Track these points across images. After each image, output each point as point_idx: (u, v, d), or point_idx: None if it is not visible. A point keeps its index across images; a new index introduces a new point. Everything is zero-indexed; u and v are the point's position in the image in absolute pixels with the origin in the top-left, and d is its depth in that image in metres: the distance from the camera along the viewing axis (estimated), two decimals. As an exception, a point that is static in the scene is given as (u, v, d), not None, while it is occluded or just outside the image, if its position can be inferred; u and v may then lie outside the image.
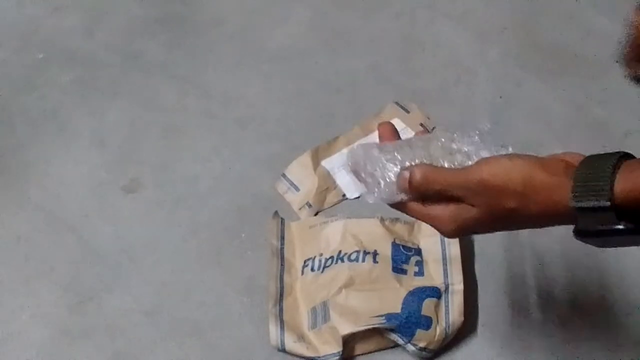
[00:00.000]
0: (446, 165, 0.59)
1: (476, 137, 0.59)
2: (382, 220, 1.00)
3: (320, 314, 0.94)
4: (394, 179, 0.59)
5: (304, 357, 0.93)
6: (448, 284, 0.95)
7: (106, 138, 1.19)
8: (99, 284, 1.02)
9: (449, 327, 0.92)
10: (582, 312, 0.97)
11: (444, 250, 0.98)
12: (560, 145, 1.11)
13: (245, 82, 1.26)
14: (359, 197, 1.09)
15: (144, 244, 1.06)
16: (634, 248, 0.53)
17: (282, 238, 1.03)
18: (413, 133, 1.15)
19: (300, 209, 1.08)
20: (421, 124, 1.17)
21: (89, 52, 1.32)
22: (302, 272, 0.99)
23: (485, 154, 0.57)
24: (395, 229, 1.00)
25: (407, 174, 0.58)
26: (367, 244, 0.98)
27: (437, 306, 0.93)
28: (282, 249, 1.02)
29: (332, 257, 0.98)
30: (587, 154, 0.54)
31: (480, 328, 0.96)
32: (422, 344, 0.90)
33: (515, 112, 1.20)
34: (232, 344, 0.96)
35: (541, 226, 0.55)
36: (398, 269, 0.96)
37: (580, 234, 0.53)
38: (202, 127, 1.20)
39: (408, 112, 1.19)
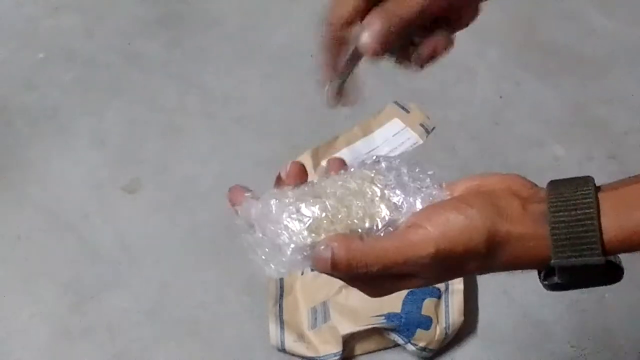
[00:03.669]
0: (367, 224, 0.45)
1: (391, 178, 0.47)
2: (382, 220, 1.00)
3: (321, 313, 0.94)
4: (300, 245, 0.46)
5: (304, 357, 0.93)
6: (448, 284, 0.95)
7: (106, 138, 1.19)
8: (99, 284, 1.02)
9: (449, 327, 0.92)
10: (582, 311, 0.97)
11: (444, 250, 0.98)
12: (561, 145, 1.11)
13: (245, 82, 1.26)
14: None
15: (144, 244, 1.06)
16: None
17: (282, 238, 1.03)
18: (413, 133, 1.17)
19: (300, 208, 1.08)
20: (421, 124, 1.17)
21: (89, 52, 1.32)
22: (302, 272, 0.99)
23: (419, 204, 0.45)
24: (395, 229, 1.00)
25: (327, 253, 0.43)
26: (367, 243, 0.98)
27: (437, 306, 0.93)
28: (282, 248, 1.02)
29: (332, 257, 0.98)
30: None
31: (480, 328, 0.96)
32: (422, 344, 0.90)
33: (515, 112, 1.20)
34: (232, 344, 0.96)
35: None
36: (398, 268, 0.95)
37: (557, 288, 0.45)
38: (202, 127, 1.20)
39: (408, 111, 1.19)
